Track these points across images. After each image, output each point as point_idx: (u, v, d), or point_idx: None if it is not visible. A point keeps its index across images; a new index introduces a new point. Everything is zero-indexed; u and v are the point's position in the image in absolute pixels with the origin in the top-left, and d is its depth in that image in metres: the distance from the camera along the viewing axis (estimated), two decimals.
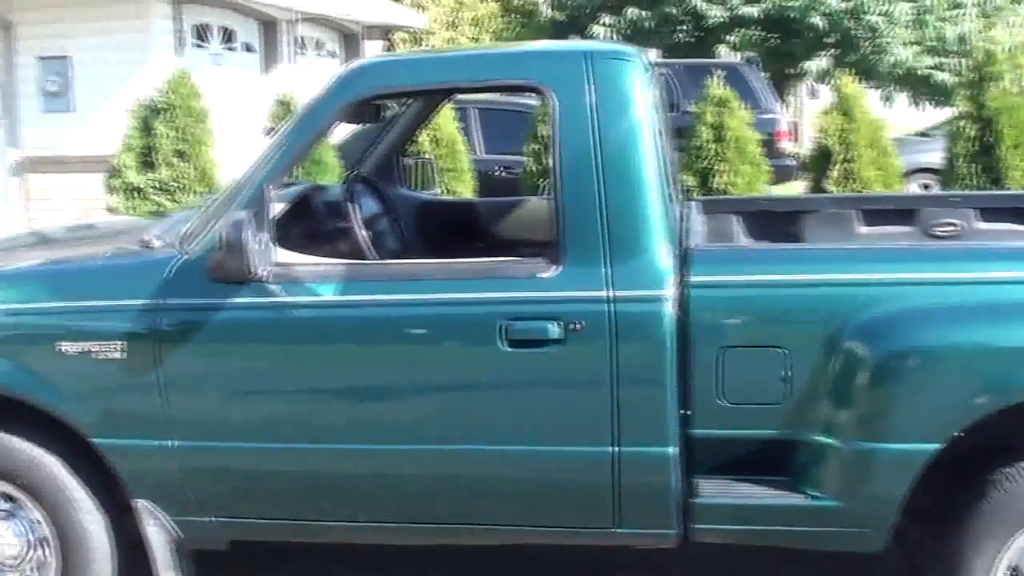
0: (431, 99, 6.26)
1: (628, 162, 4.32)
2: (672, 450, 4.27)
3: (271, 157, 4.59)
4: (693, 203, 5.89)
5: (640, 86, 4.43)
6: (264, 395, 4.57)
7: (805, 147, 16.23)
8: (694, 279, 4.26)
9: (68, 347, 4.57)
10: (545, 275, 4.30)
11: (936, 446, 4.08)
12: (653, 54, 5.04)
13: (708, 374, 4.25)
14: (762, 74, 18.59)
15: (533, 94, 12.47)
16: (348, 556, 5.67)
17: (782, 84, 23.70)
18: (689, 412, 4.29)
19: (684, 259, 4.35)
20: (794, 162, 16.63)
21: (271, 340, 4.52)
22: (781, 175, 14.60)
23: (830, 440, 4.19)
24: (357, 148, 7.78)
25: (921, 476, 4.13)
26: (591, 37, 23.27)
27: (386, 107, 6.09)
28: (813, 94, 32.07)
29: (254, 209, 4.32)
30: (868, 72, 23.12)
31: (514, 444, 4.38)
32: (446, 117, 11.79)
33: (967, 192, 9.08)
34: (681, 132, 9.52)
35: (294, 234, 4.89)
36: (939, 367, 4.08)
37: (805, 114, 29.38)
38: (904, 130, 20.76)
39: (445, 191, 10.98)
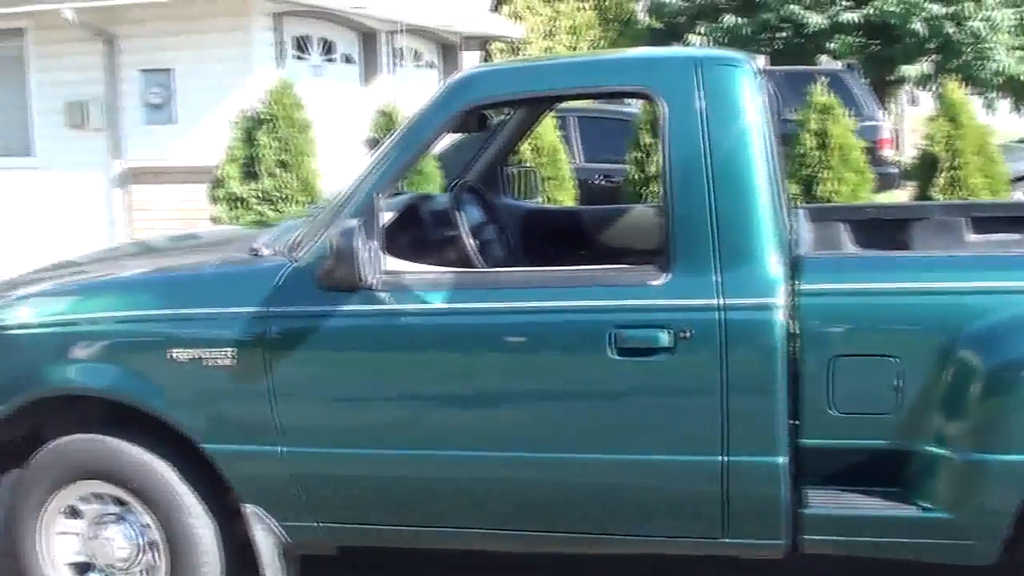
0: (536, 107, 6.27)
1: (738, 168, 4.30)
2: (782, 459, 4.24)
3: (380, 166, 4.62)
4: (800, 211, 5.85)
5: (750, 92, 4.40)
6: (372, 401, 4.60)
7: (907, 155, 16.04)
8: (804, 287, 4.23)
9: (179, 354, 4.63)
10: (655, 283, 4.29)
11: None
12: (762, 60, 5.01)
13: (818, 383, 4.21)
14: (863, 80, 18.40)
15: (634, 101, 12.60)
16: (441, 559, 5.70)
17: (882, 91, 23.42)
18: (799, 421, 4.26)
19: (794, 267, 4.32)
20: (896, 170, 16.45)
21: (379, 347, 4.54)
22: (884, 183, 14.47)
23: (942, 451, 4.13)
24: (457, 158, 7.83)
25: None
26: (688, 45, 23.16)
27: (491, 116, 6.10)
28: (914, 101, 31.74)
29: (364, 217, 4.33)
30: (970, 78, 22.85)
31: (622, 453, 4.37)
32: (547, 125, 11.81)
33: None
34: (783, 140, 9.45)
35: (402, 242, 4.92)
36: None
37: (906, 121, 29.07)
38: (1007, 137, 20.47)
39: (546, 200, 10.98)
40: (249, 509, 4.74)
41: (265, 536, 4.76)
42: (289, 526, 4.76)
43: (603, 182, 13.82)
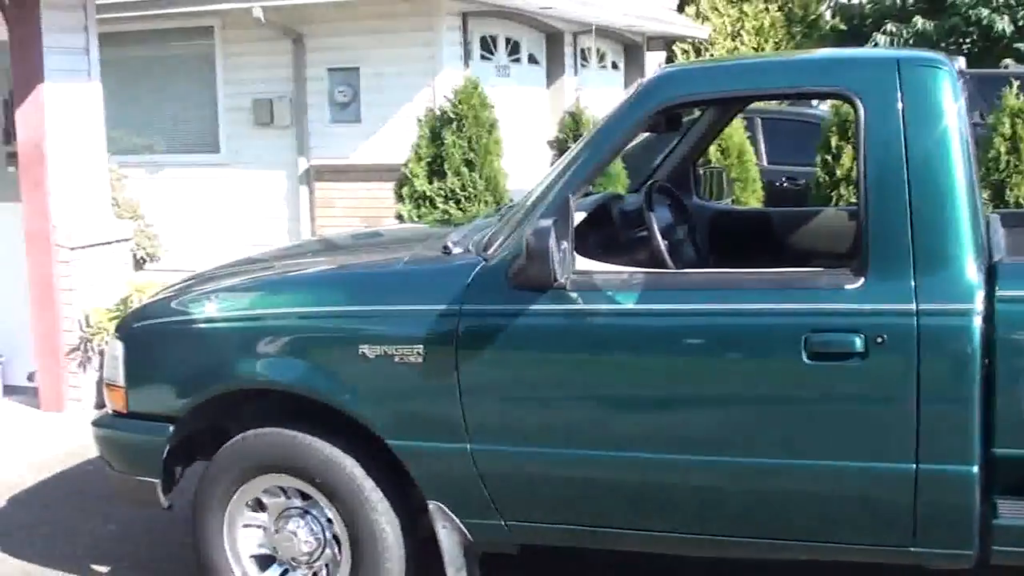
0: (728, 107, 6.25)
1: (938, 172, 4.23)
2: (975, 468, 4.17)
3: (574, 165, 4.64)
4: (994, 216, 5.74)
5: (950, 94, 4.33)
6: (560, 401, 4.62)
7: None
8: (1002, 293, 4.15)
9: (368, 350, 4.69)
10: (851, 287, 4.24)
11: None
12: (962, 62, 4.93)
13: (1013, 391, 4.13)
14: None
15: (819, 102, 12.47)
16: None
17: None
18: (993, 430, 4.18)
19: (991, 273, 4.24)
20: None
21: (569, 347, 4.56)
22: None
23: None
24: (643, 158, 7.82)
25: None
26: (875, 46, 22.83)
27: (683, 116, 6.10)
28: None
29: (557, 217, 4.34)
30: None
31: (813, 458, 4.34)
32: (735, 126, 11.78)
33: None
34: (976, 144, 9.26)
35: (593, 242, 4.93)
36: None
37: None
38: None
39: (735, 201, 10.92)
40: (434, 506, 4.80)
41: (449, 534, 4.81)
42: (473, 524, 4.80)
43: (787, 184, 13.70)
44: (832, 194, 10.29)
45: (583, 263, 4.57)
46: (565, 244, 4.36)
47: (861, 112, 4.34)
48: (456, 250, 4.88)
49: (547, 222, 4.28)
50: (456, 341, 4.59)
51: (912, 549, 4.37)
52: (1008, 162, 10.23)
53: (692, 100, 5.02)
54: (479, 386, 4.62)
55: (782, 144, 14.33)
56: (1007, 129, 10.28)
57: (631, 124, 4.64)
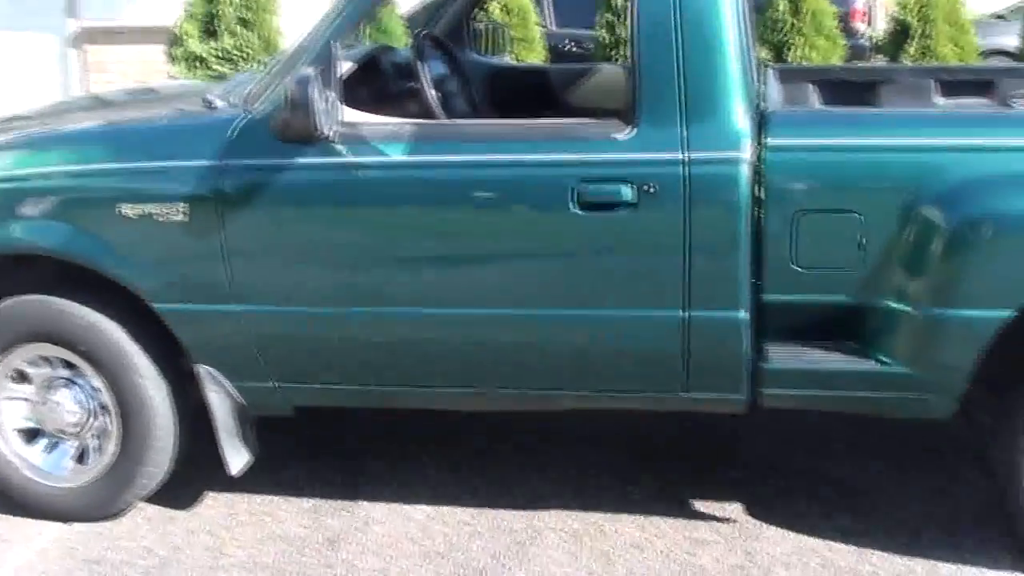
0: None
1: (707, 21, 4.18)
2: (743, 314, 4.23)
3: (338, 13, 4.49)
4: (770, 70, 5.79)
5: None
6: (329, 258, 4.51)
7: (879, 29, 15.90)
8: (771, 142, 4.17)
9: (129, 209, 4.51)
10: (619, 136, 4.21)
11: (1009, 313, 4.02)
12: None
13: (782, 238, 4.18)
14: None
15: None
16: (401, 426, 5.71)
17: None
18: (761, 277, 4.24)
19: (761, 122, 4.26)
20: (868, 43, 16.32)
21: (337, 201, 4.44)
22: (854, 55, 14.34)
23: (902, 306, 4.14)
24: (425, 17, 7.68)
25: (992, 344, 4.08)
26: None
27: None
28: None
29: (321, 66, 4.21)
30: None
31: (584, 308, 4.34)
32: None
33: None
34: (758, 7, 9.35)
35: (362, 94, 4.80)
36: (1014, 234, 4.00)
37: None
38: (977, 13, 20.31)
39: (516, 60, 10.84)
40: (202, 370, 4.69)
41: (219, 398, 4.71)
42: (244, 387, 4.72)
43: (573, 47, 13.69)
44: (613, 54, 10.31)
45: (351, 114, 4.43)
46: (330, 94, 4.23)
47: None
48: (219, 104, 4.71)
49: (310, 70, 4.15)
50: (219, 198, 4.44)
51: (684, 395, 4.43)
52: (791, 24, 10.39)
53: None
54: (245, 245, 4.49)
55: (570, 8, 14.30)
56: None
57: None
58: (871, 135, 4.23)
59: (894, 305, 4.15)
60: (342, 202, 4.45)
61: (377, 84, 5.22)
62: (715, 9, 4.22)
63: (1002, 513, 4.64)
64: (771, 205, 4.16)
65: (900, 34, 10.73)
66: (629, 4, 4.34)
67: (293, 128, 4.24)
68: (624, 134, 4.21)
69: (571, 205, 4.20)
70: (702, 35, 4.19)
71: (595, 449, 5.52)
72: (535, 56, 11.63)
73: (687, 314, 4.24)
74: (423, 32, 5.68)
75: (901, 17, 10.75)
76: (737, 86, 4.20)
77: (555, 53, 12.85)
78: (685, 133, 4.15)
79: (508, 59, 7.39)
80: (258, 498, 5.15)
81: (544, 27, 12.75)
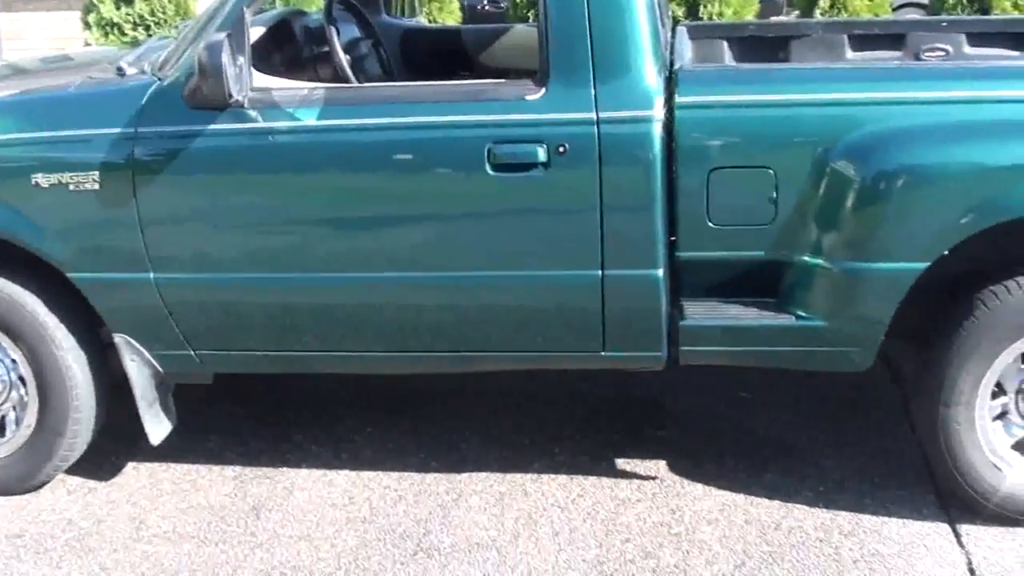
0: None
1: None
2: (659, 272, 4.25)
3: None
4: (681, 28, 5.79)
5: None
6: (243, 224, 4.48)
7: None
8: (681, 100, 4.18)
9: (42, 179, 4.47)
10: (531, 97, 4.22)
11: (923, 265, 4.08)
12: None
13: (696, 196, 4.20)
14: None
15: None
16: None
17: None
18: (677, 234, 4.26)
19: (671, 80, 4.27)
20: None
21: (249, 167, 4.41)
22: (768, 10, 14.41)
23: (818, 261, 4.18)
24: None
25: (909, 296, 4.13)
26: None
27: None
28: None
29: (231, 32, 4.18)
30: None
31: (501, 269, 4.35)
32: None
33: (956, 17, 8.98)
34: None
35: (274, 59, 4.79)
36: (926, 187, 4.05)
37: None
38: None
39: (430, 21, 10.80)
40: (120, 339, 4.65)
41: (138, 367, 4.68)
42: (162, 355, 4.69)
43: (489, 7, 13.65)
44: (529, 15, 10.30)
45: (262, 80, 4.41)
46: (241, 59, 4.20)
47: None
48: (131, 71, 4.67)
49: (220, 36, 4.12)
50: (132, 166, 4.40)
51: (604, 354, 4.45)
52: None
53: None
54: (159, 212, 4.45)
55: None
56: None
57: None
58: (782, 91, 4.25)
59: (810, 260, 4.19)
60: (254, 168, 4.42)
61: (289, 49, 5.19)
62: None
63: (924, 464, 4.72)
64: (684, 163, 4.18)
65: None
66: None
67: (204, 94, 4.21)
68: (536, 95, 4.22)
69: (485, 167, 4.19)
70: None
71: (520, 411, 5.54)
72: (449, 16, 11.61)
73: (603, 274, 4.26)
74: None
75: None
76: (647, 45, 4.21)
77: (472, 13, 12.82)
78: (596, 93, 4.16)
79: (421, 20, 7.35)
80: (181, 467, 5.13)
81: None
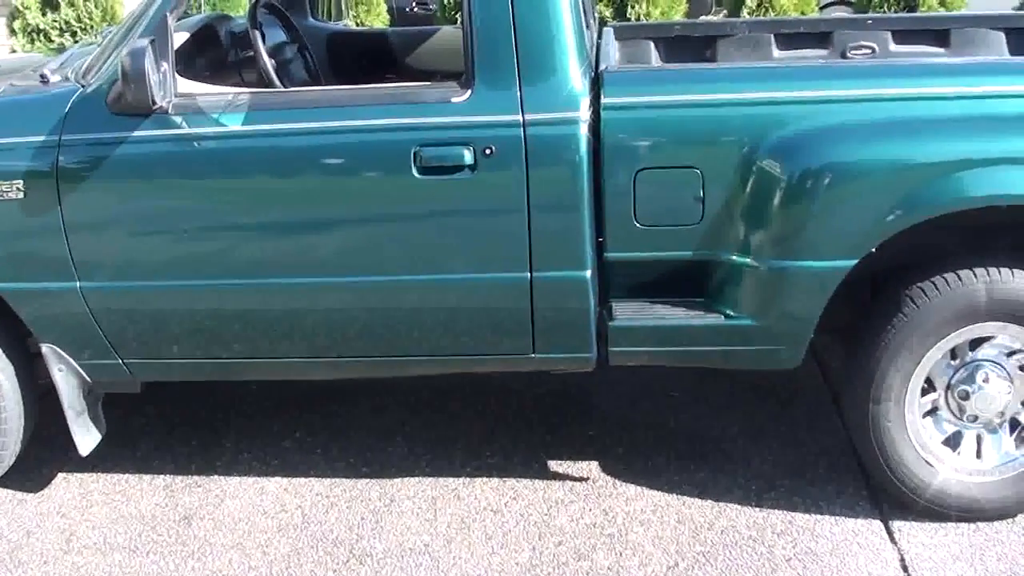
0: None
1: None
2: (588, 273, 4.26)
3: None
4: (608, 29, 5.81)
5: None
6: (170, 231, 4.43)
7: None
8: (607, 101, 4.19)
9: None
10: (457, 100, 4.21)
11: (851, 263, 4.10)
12: None
13: (623, 197, 4.21)
14: None
15: None
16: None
17: None
18: (604, 235, 4.27)
19: (597, 81, 4.28)
20: None
21: (174, 173, 4.37)
22: (696, 9, 14.47)
23: (746, 260, 4.20)
24: None
25: (837, 293, 4.16)
26: None
27: None
28: None
29: (155, 38, 4.14)
30: None
31: (429, 273, 4.33)
32: None
33: (881, 15, 9.04)
34: None
35: (199, 65, 4.75)
36: (851, 184, 4.07)
37: None
38: None
39: (357, 24, 10.76)
40: (47, 349, 4.60)
41: (65, 376, 4.63)
42: (90, 365, 4.65)
43: (418, 9, 13.61)
44: (457, 16, 10.29)
45: (187, 85, 4.38)
46: (164, 65, 4.17)
47: None
48: (54, 78, 4.62)
49: (143, 42, 4.08)
50: (56, 174, 4.34)
51: (534, 356, 4.46)
52: None
53: None
54: (84, 220, 4.40)
55: None
56: None
57: None
58: (707, 91, 4.25)
59: (738, 259, 4.21)
60: (179, 174, 4.38)
61: (214, 54, 5.16)
62: None
63: (856, 461, 4.75)
64: (610, 164, 4.18)
65: None
66: None
67: (128, 101, 4.17)
68: (461, 97, 4.21)
69: (412, 170, 4.18)
70: None
71: (450, 415, 5.53)
72: (377, 18, 11.57)
73: (532, 276, 4.26)
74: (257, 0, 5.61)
75: None
76: (572, 46, 4.21)
77: (400, 16, 12.79)
78: (521, 95, 4.16)
79: (348, 24, 7.33)
80: (111, 477, 5.09)
81: None
